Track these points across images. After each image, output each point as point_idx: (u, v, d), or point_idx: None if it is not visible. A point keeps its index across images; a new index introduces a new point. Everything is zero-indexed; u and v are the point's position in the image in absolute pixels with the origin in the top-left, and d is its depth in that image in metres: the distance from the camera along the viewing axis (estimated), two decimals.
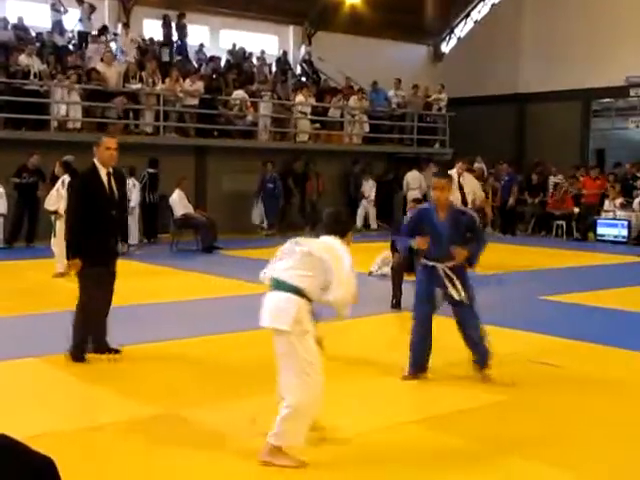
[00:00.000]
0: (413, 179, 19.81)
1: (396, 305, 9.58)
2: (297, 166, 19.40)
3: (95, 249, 6.56)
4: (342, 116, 21.28)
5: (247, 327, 8.18)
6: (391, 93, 22.69)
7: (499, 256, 15.52)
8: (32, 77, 16.23)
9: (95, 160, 6.72)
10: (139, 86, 17.56)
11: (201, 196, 18.20)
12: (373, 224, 20.34)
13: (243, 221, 18.04)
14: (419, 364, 6.42)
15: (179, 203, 15.43)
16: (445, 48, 27.98)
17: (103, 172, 6.65)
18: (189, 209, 15.70)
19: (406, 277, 9.59)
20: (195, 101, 18.39)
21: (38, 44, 17.95)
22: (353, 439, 4.95)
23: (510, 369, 6.74)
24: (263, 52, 22.55)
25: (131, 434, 5.02)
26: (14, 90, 15.90)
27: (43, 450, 1.42)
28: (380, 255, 11.99)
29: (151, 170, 16.61)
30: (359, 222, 19.97)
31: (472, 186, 13.11)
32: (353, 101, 21.41)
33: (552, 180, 20.46)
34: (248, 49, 22.54)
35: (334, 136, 21.25)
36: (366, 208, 20.37)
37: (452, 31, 27.86)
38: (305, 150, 19.96)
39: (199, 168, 18.58)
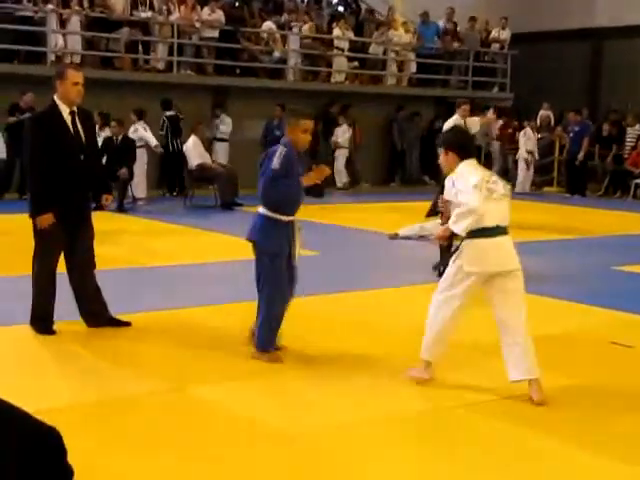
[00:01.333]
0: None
1: (442, 274, 9.35)
2: (332, 111, 19.11)
3: (62, 201, 6.33)
4: (385, 53, 20.88)
5: None
6: (442, 26, 22.15)
7: (566, 220, 15.26)
8: (25, 1, 16.06)
9: (55, 97, 6.41)
10: (149, 14, 17.34)
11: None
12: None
13: None
14: None
15: (194, 151, 15.27)
16: None
17: (66, 111, 6.38)
18: (206, 158, 15.55)
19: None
20: (214, 33, 18.13)
21: None
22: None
23: (581, 349, 6.56)
24: None
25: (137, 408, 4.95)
26: (4, 16, 15.73)
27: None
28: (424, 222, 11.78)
29: (169, 113, 16.47)
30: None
31: (478, 131, 13.24)
32: (398, 35, 20.97)
33: (630, 132, 19.96)
34: None
35: (375, 77, 20.88)
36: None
37: None
38: (341, 93, 19.64)
39: (218, 111, 18.34)
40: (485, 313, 5.67)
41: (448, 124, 13.49)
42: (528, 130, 19.77)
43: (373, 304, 8.20)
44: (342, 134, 19.12)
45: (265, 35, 19.01)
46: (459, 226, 5.24)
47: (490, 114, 18.33)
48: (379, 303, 8.26)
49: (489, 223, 5.27)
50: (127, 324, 6.80)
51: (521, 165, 19.86)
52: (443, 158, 5.57)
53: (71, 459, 1.69)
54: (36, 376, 5.71)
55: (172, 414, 5.04)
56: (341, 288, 8.75)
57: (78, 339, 6.55)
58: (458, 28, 22.29)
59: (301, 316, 6.94)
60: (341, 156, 19.20)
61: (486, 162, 19.92)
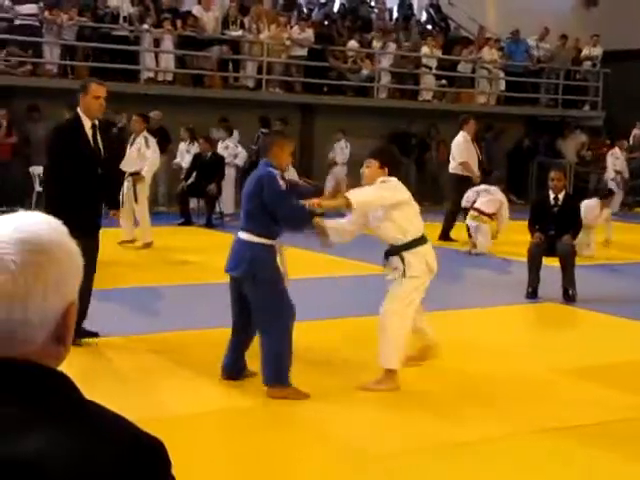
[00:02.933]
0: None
1: (532, 294, 9.35)
2: (413, 131, 19.14)
3: (79, 216, 5.95)
4: (474, 71, 20.82)
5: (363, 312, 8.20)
6: (532, 43, 21.95)
7: None
8: (121, 21, 16.54)
9: (79, 109, 6.52)
10: (240, 33, 17.65)
11: (307, 161, 18.22)
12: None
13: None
14: None
15: None
16: None
17: (87, 124, 6.47)
18: (293, 175, 15.72)
19: (545, 261, 9.37)
20: (303, 52, 18.38)
21: None
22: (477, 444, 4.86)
23: None
24: None
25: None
26: (101, 36, 16.25)
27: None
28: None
29: (264, 130, 16.74)
30: None
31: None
32: (488, 53, 20.88)
33: None
34: None
35: (463, 95, 20.84)
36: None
37: None
38: (429, 111, 19.66)
39: (305, 129, 18.58)
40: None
41: (457, 141, 13.62)
42: (616, 150, 19.40)
43: (459, 323, 8.21)
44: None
45: (353, 53, 19.17)
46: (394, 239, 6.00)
47: (581, 135, 18.22)
48: (464, 322, 8.28)
49: (420, 233, 6.03)
50: (95, 334, 6.66)
51: (611, 185, 19.52)
52: (374, 170, 6.09)
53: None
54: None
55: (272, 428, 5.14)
56: (428, 307, 8.77)
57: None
58: (548, 46, 22.07)
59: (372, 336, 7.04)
60: None
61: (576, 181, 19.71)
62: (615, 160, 19.32)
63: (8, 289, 1.23)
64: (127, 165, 11.88)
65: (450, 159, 13.93)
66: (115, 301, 8.24)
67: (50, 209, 6.34)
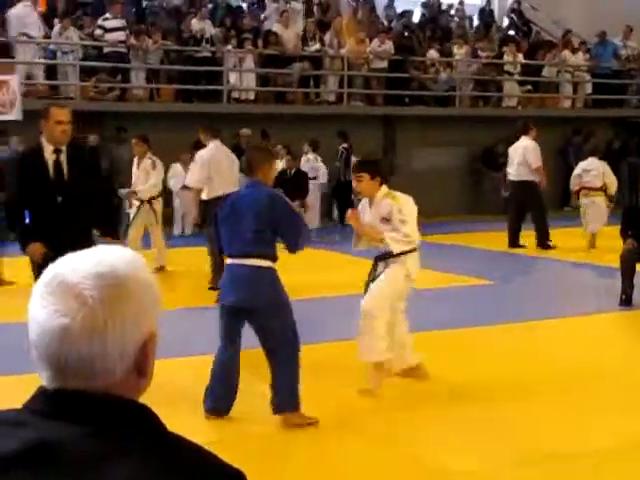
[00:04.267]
0: None
1: (626, 302, 9.16)
2: (495, 149, 18.88)
3: (49, 235, 5.86)
4: (559, 75, 20.49)
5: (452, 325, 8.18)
6: (619, 44, 21.51)
7: None
8: (204, 43, 16.86)
9: (42, 136, 6.19)
10: (318, 47, 17.76)
11: (389, 174, 18.20)
12: None
13: (438, 202, 17.85)
14: None
15: None
16: None
17: (49, 150, 6.10)
18: None
19: (638, 268, 9.18)
20: (383, 64, 18.42)
21: (211, 6, 18.64)
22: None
23: None
24: (462, 2, 22.24)
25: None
26: (184, 58, 16.61)
27: None
28: None
29: (346, 145, 16.83)
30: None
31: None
32: (573, 56, 20.55)
33: None
34: (445, 0, 22.31)
35: (548, 100, 20.54)
36: None
37: None
38: (513, 118, 19.43)
39: (387, 141, 18.60)
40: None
41: (528, 147, 13.36)
42: None
43: (545, 335, 8.09)
44: None
45: (435, 63, 19.10)
46: (399, 248, 6.12)
47: None
48: (556, 332, 8.16)
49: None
50: None
51: None
52: (367, 183, 6.20)
53: None
54: None
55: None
56: (515, 318, 8.68)
57: None
58: (635, 44, 21.61)
59: (468, 347, 6.98)
60: None
61: None
62: None
63: (87, 324, 1.26)
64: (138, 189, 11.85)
65: (514, 166, 13.63)
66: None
67: (19, 236, 6.17)
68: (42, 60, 15.60)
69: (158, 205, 11.70)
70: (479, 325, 8.32)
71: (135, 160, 12.02)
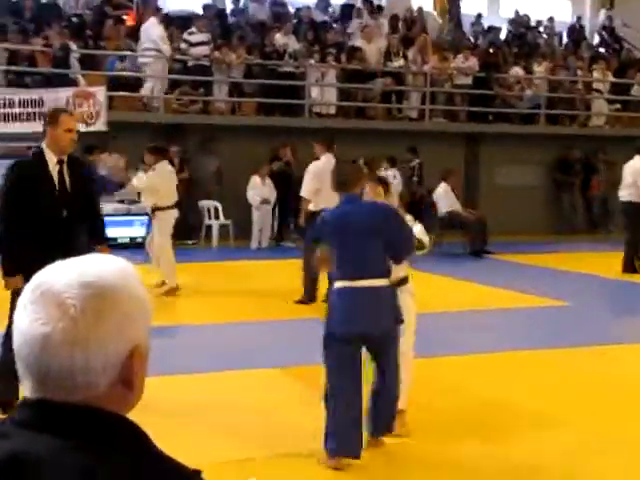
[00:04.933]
0: None
1: None
2: (571, 156, 18.52)
3: (37, 261, 5.37)
4: None
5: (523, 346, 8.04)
6: None
7: None
8: (287, 57, 16.98)
9: (43, 144, 5.77)
10: (401, 63, 17.72)
11: (472, 191, 18.05)
12: None
13: (520, 221, 17.60)
14: None
15: (444, 198, 15.42)
16: None
17: (53, 161, 5.70)
18: (456, 206, 15.64)
19: None
20: (468, 80, 18.26)
21: (295, 21, 18.78)
22: None
23: None
24: (552, 19, 21.92)
25: None
26: (267, 72, 16.75)
27: None
28: None
29: (418, 160, 16.73)
30: None
31: None
32: None
33: None
34: (534, 17, 22.02)
35: (637, 119, 20.06)
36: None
37: None
38: (599, 137, 19.06)
39: (470, 158, 18.42)
40: None
41: (637, 167, 12.92)
42: None
43: (621, 359, 7.89)
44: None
45: (520, 80, 18.85)
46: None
47: None
48: (627, 358, 7.94)
49: None
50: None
51: None
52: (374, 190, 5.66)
53: None
54: None
55: None
56: (589, 341, 8.48)
57: None
58: None
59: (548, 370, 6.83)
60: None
61: None
62: None
63: (68, 334, 1.23)
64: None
65: (625, 186, 13.28)
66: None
67: (5, 257, 5.60)
68: (128, 72, 15.93)
69: (165, 216, 10.83)
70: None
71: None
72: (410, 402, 5.80)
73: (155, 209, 10.86)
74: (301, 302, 10.06)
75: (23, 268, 5.12)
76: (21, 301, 1.29)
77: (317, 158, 10.53)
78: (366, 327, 5.02)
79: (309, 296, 10.05)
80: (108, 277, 1.28)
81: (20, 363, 1.28)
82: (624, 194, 13.27)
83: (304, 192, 10.31)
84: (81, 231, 5.89)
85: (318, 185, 9.91)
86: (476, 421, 5.96)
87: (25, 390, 1.29)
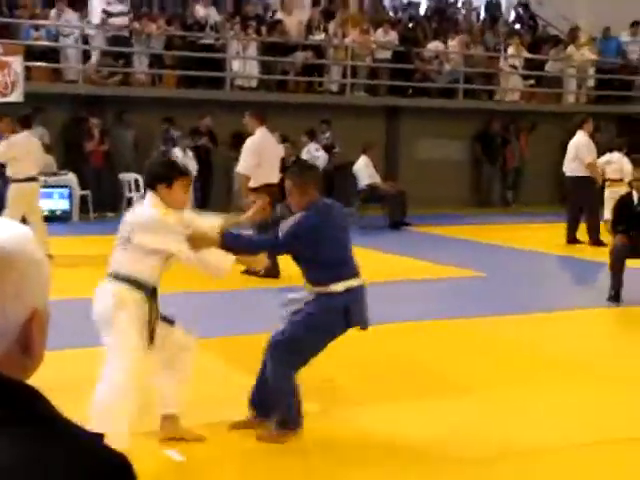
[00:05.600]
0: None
1: (614, 298, 9.14)
2: (492, 130, 18.88)
3: None
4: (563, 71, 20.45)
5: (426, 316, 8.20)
6: (625, 39, 21.43)
7: None
8: (208, 29, 16.84)
9: None
10: (322, 36, 17.74)
11: (392, 165, 18.22)
12: None
13: (438, 194, 17.87)
14: None
15: (364, 171, 15.52)
16: None
17: None
18: (376, 179, 15.77)
19: (629, 264, 9.15)
20: (388, 54, 18.38)
21: None
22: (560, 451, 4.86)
23: None
24: None
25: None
26: (188, 44, 16.59)
27: None
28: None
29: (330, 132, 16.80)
30: None
31: None
32: (577, 52, 20.47)
33: None
34: None
35: (551, 95, 20.49)
36: None
37: None
38: (515, 112, 19.43)
39: (390, 132, 18.58)
40: None
41: (581, 141, 13.24)
42: None
43: (538, 327, 8.12)
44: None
45: (439, 55, 19.05)
46: None
47: None
48: (543, 326, 8.18)
49: None
50: None
51: None
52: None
53: None
54: None
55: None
56: (505, 311, 8.70)
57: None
58: (639, 38, 21.52)
59: (462, 338, 6.99)
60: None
61: None
62: None
63: None
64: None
65: (567, 161, 13.47)
66: None
67: None
68: (45, 42, 15.60)
69: (15, 188, 10.56)
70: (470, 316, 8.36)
71: None
72: (344, 369, 5.91)
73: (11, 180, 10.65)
74: (252, 274, 9.15)
75: None
76: None
77: (250, 133, 10.34)
78: (367, 321, 5.17)
79: (275, 271, 9.41)
80: (6, 241, 1.27)
81: None
82: (567, 168, 13.45)
83: (243, 169, 9.99)
84: None
85: (257, 160, 9.81)
86: (402, 384, 6.09)
87: None
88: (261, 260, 5.55)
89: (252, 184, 9.75)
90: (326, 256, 4.97)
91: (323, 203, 5.15)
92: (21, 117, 11.01)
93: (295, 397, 5.00)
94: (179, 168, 5.02)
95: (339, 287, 4.97)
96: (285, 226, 5.05)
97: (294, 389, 4.99)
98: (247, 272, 9.16)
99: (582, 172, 13.19)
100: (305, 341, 4.97)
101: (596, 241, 12.80)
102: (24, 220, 9.91)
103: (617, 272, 9.16)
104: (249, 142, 10.09)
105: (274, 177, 9.94)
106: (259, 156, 9.78)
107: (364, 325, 5.13)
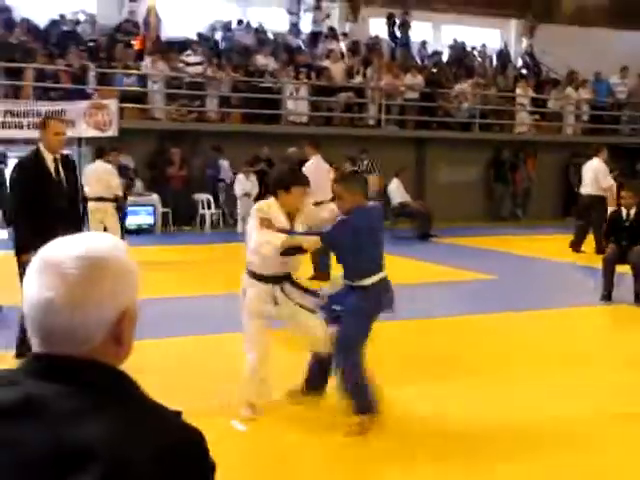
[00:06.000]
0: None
1: (606, 297, 8.99)
2: (503, 157, 18.69)
3: (42, 241, 5.16)
4: (562, 107, 20.23)
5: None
6: (615, 81, 21.18)
7: None
8: (267, 75, 16.94)
9: (40, 145, 5.83)
10: (361, 80, 17.75)
11: (419, 186, 18.14)
12: None
13: (459, 210, 17.75)
14: None
15: (396, 191, 15.48)
16: None
17: (49, 158, 5.75)
18: (406, 198, 15.70)
19: (618, 268, 9.01)
20: (416, 94, 18.33)
21: (273, 45, 18.71)
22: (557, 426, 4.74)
23: None
24: (484, 46, 22.01)
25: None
26: (251, 88, 16.71)
27: None
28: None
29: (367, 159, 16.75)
30: None
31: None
32: (574, 92, 20.26)
33: None
34: (469, 43, 22.08)
35: (553, 128, 20.27)
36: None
37: None
38: (523, 141, 19.26)
39: (418, 159, 18.51)
40: None
41: (598, 167, 12.87)
42: None
43: (540, 323, 8.01)
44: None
45: (458, 94, 18.95)
46: None
47: None
48: (545, 322, 8.07)
49: None
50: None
51: None
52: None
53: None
54: None
55: None
56: (515, 308, 8.60)
57: None
58: (626, 80, 21.26)
59: (473, 331, 6.91)
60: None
61: None
62: None
63: (68, 297, 1.25)
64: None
65: (587, 183, 13.02)
66: None
67: (20, 239, 5.51)
68: (135, 87, 15.81)
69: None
70: (481, 313, 8.27)
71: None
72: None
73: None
74: (315, 278, 9.07)
75: (33, 246, 4.75)
76: (29, 271, 1.30)
77: (306, 159, 10.35)
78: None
79: (325, 272, 9.18)
80: (101, 250, 1.29)
81: (29, 323, 1.29)
82: (585, 189, 13.02)
83: None
84: (75, 214, 5.96)
85: (312, 182, 9.70)
86: (420, 371, 6.05)
87: (33, 346, 1.29)
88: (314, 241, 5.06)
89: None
90: (363, 255, 4.79)
91: (366, 207, 4.97)
92: (97, 149, 11.16)
93: (367, 383, 4.78)
94: (298, 176, 5.03)
95: (372, 280, 4.83)
96: (333, 225, 4.90)
97: (364, 377, 4.77)
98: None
99: (598, 192, 12.82)
100: (356, 334, 4.81)
101: (602, 250, 12.59)
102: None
103: (608, 276, 9.04)
104: (307, 166, 10.08)
105: (327, 196, 9.85)
106: (312, 179, 9.71)
107: (392, 309, 4.96)
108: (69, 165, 5.94)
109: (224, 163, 15.86)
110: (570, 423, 4.98)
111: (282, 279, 4.91)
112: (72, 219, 5.74)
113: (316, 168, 9.97)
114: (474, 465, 4.27)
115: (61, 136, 5.81)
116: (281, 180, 4.94)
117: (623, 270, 9.02)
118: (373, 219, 4.96)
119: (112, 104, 13.96)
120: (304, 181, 5.04)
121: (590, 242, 12.62)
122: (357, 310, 4.82)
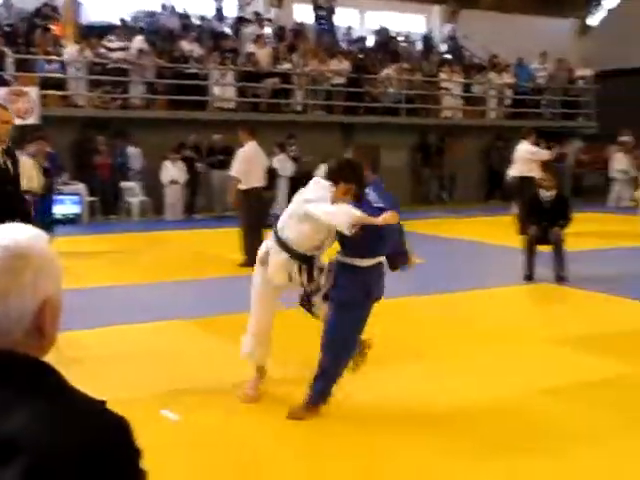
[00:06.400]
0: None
1: (528, 277, 9.25)
2: (429, 141, 18.99)
3: None
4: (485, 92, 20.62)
5: None
6: (535, 66, 21.72)
7: None
8: (192, 61, 16.73)
9: None
10: (289, 66, 17.73)
11: None
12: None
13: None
14: None
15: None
16: (592, 21, 26.46)
17: None
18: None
19: (541, 248, 9.26)
20: (342, 80, 18.40)
21: (198, 30, 18.48)
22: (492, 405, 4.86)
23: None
24: (409, 31, 22.24)
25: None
26: (176, 74, 16.49)
27: None
28: None
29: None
30: None
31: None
32: (497, 77, 20.68)
33: None
34: (394, 29, 22.26)
35: (477, 112, 20.66)
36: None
37: (599, 3, 26.28)
38: (449, 126, 19.57)
39: (345, 144, 18.54)
40: None
41: (528, 149, 13.17)
42: (618, 154, 18.98)
43: (467, 302, 8.20)
44: None
45: (384, 80, 19.10)
46: None
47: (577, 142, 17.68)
48: (471, 301, 8.26)
49: None
50: None
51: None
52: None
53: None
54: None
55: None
56: (442, 289, 8.76)
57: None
58: (546, 65, 21.83)
59: (401, 315, 7.03)
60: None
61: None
62: (618, 161, 18.77)
63: None
64: None
65: (514, 165, 13.24)
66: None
67: None
68: (57, 74, 15.39)
69: None
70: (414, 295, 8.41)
71: None
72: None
73: None
74: (245, 265, 8.83)
75: None
76: None
77: (230, 146, 10.24)
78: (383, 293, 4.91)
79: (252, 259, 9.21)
80: (24, 242, 1.28)
81: None
82: (516, 171, 13.20)
83: (234, 172, 9.81)
84: (21, 199, 5.81)
85: (247, 167, 9.67)
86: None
87: None
88: None
89: (242, 186, 9.72)
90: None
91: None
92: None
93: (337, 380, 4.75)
94: (360, 177, 4.55)
95: (363, 263, 4.67)
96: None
97: (340, 376, 4.75)
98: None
99: (525, 173, 12.91)
100: (352, 333, 4.79)
101: (524, 231, 12.86)
102: None
103: (530, 256, 9.27)
104: (240, 152, 9.96)
105: (261, 181, 9.95)
106: (248, 164, 9.73)
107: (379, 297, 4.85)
108: (10, 152, 5.77)
109: (131, 150, 15.53)
110: (502, 399, 5.11)
111: (306, 259, 4.79)
112: (16, 203, 5.58)
113: (251, 153, 9.90)
114: (411, 443, 4.35)
115: (7, 125, 5.61)
116: (354, 172, 4.56)
117: (545, 250, 9.27)
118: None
119: (32, 91, 13.59)
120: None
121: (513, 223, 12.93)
122: (347, 303, 4.70)
